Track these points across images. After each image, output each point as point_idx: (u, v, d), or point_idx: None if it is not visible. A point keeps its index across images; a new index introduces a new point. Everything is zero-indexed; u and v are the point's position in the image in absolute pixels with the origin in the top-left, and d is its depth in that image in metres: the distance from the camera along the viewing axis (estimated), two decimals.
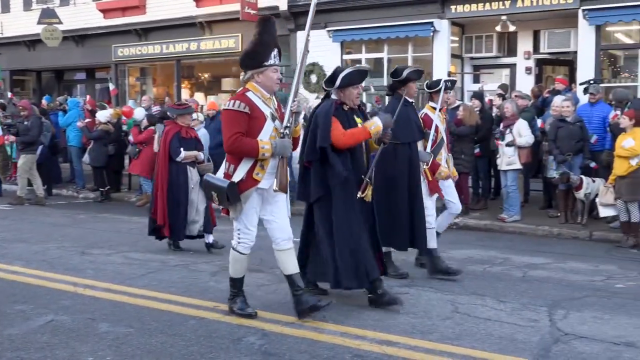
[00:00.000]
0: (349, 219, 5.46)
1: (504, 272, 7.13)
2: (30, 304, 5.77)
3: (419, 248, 6.78)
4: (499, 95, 12.14)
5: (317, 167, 5.56)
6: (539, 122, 10.86)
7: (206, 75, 19.65)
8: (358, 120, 5.66)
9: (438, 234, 7.11)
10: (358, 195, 5.47)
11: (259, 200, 5.15)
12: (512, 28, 14.34)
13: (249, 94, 5.06)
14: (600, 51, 12.88)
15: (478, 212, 10.58)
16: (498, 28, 14.37)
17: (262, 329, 5.09)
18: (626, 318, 5.46)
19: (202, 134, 9.77)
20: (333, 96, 5.66)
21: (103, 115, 13.34)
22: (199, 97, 18.21)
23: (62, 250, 8.22)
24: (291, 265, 5.26)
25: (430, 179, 6.73)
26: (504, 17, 13.98)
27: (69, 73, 22.64)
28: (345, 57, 15.70)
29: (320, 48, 13.78)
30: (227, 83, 18.95)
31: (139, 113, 12.93)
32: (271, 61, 5.06)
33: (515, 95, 11.49)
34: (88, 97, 17.44)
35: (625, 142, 8.54)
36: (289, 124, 5.06)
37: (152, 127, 11.90)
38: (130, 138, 12.60)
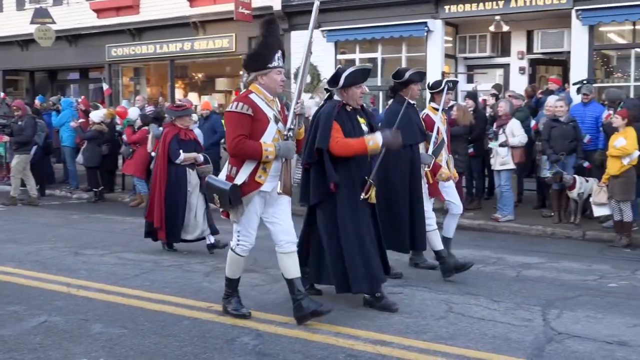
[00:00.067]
0: (354, 222, 5.43)
1: (497, 272, 7.14)
2: (23, 305, 5.74)
3: (419, 250, 6.77)
4: (493, 95, 12.17)
5: (316, 170, 5.52)
6: (532, 122, 10.88)
7: (200, 75, 19.62)
8: (361, 120, 5.64)
9: (449, 238, 7.11)
10: (362, 197, 5.45)
11: (260, 204, 5.12)
12: (505, 28, 14.37)
13: (252, 96, 5.03)
14: (593, 51, 12.91)
15: (472, 212, 10.60)
16: (492, 28, 14.39)
17: (256, 329, 5.08)
18: (619, 317, 5.48)
19: (197, 133, 9.74)
20: (336, 97, 5.63)
21: (97, 116, 13.31)
22: (193, 97, 18.20)
23: (55, 251, 8.19)
24: (293, 269, 5.20)
25: (430, 181, 6.71)
26: (497, 17, 14.00)
27: (62, 73, 22.57)
28: (339, 57, 15.71)
29: (314, 48, 13.74)
30: (221, 83, 18.94)
31: (133, 113, 12.91)
32: (275, 63, 5.02)
33: (509, 95, 11.52)
34: (82, 97, 17.40)
35: (617, 142, 8.58)
36: (292, 126, 5.03)
37: (146, 127, 11.89)
38: (124, 138, 12.57)
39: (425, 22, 14.16)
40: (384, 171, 5.89)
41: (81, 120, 13.62)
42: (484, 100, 12.14)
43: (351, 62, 15.23)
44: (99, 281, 6.60)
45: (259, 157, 4.95)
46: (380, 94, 15.00)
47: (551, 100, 10.33)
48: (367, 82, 5.77)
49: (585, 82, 11.24)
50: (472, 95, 11.47)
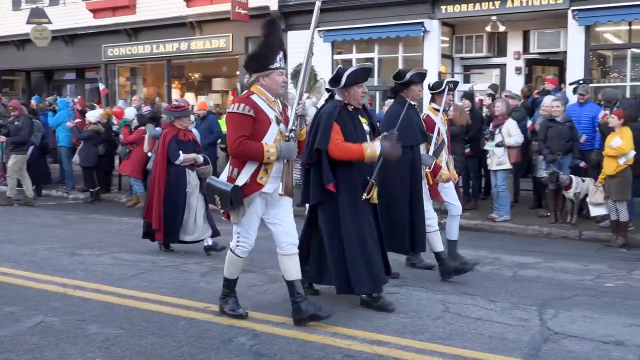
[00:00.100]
0: (356, 222, 5.41)
1: (494, 272, 7.15)
2: (19, 306, 5.73)
3: (418, 251, 6.76)
4: (489, 95, 12.18)
5: (316, 170, 5.51)
6: (528, 123, 10.90)
7: (196, 75, 19.60)
8: (363, 120, 5.63)
9: (455, 241, 7.11)
10: (363, 197, 5.44)
11: (262, 205, 5.10)
12: (502, 28, 14.40)
13: (254, 97, 5.01)
14: (589, 51, 12.94)
15: (468, 212, 10.60)
16: (488, 28, 14.41)
17: (253, 329, 5.08)
18: (615, 317, 5.49)
19: (194, 134, 9.72)
20: (337, 97, 5.61)
21: (93, 116, 13.30)
22: (190, 97, 18.17)
23: (52, 251, 8.17)
24: (294, 271, 5.17)
25: (431, 182, 6.70)
26: (494, 18, 14.03)
27: (58, 73, 22.53)
28: (336, 57, 15.71)
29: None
30: (217, 83, 18.93)
31: (129, 113, 12.90)
32: (277, 64, 5.00)
33: (506, 96, 11.54)
34: (79, 97, 17.37)
35: (613, 142, 8.60)
36: (294, 127, 5.01)
37: (143, 128, 11.88)
38: (121, 138, 12.55)
39: (422, 22, 14.17)
40: (384, 172, 5.86)
41: (77, 120, 13.60)
42: (481, 100, 12.16)
43: (348, 62, 15.23)
44: (96, 281, 6.59)
45: (260, 158, 4.92)
46: (377, 94, 15.01)
47: (547, 100, 10.34)
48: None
49: (581, 82, 11.26)
50: (469, 95, 11.48)
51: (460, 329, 5.14)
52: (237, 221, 5.09)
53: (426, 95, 7.17)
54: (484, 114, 11.31)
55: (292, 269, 5.16)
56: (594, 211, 9.26)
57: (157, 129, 11.40)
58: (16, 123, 12.60)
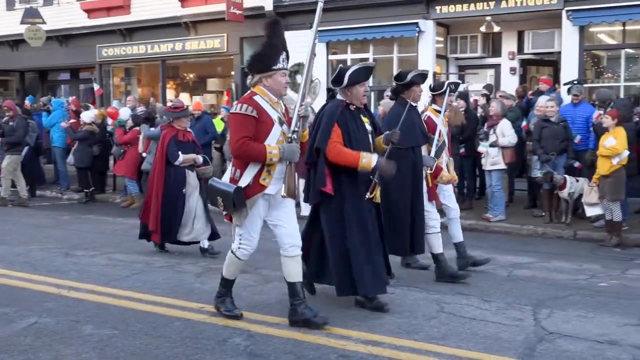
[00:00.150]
0: (359, 222, 5.39)
1: (489, 272, 7.15)
2: (13, 307, 5.71)
3: (418, 253, 6.72)
4: (484, 95, 12.20)
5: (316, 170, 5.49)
6: (523, 123, 10.92)
7: (191, 76, 19.58)
8: (365, 119, 5.61)
9: (461, 242, 7.10)
10: (367, 196, 5.43)
11: (264, 207, 5.06)
12: (496, 29, 14.42)
13: (257, 98, 4.98)
14: (583, 52, 12.97)
15: (463, 212, 10.54)
16: (482, 28, 14.44)
17: (247, 329, 5.07)
18: (609, 316, 5.51)
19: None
20: (339, 96, 5.59)
21: (88, 116, 13.27)
22: (184, 97, 18.15)
23: (46, 252, 8.15)
24: (295, 273, 5.14)
25: (430, 184, 6.68)
26: (488, 18, 14.05)
27: (52, 73, 22.47)
28: (331, 57, 15.72)
29: (305, 48, 13.74)
30: (212, 83, 18.90)
31: (124, 113, 12.88)
32: (280, 65, 4.98)
33: (500, 96, 11.56)
34: (73, 97, 17.33)
35: (607, 142, 8.62)
36: (296, 129, 4.98)
37: (137, 128, 11.86)
38: (115, 138, 12.53)
39: (417, 23, 14.18)
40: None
41: (72, 120, 13.57)
42: (475, 101, 12.18)
43: (343, 62, 15.23)
44: (90, 282, 6.58)
45: (263, 160, 4.89)
46: (372, 94, 15.01)
47: (542, 100, 10.37)
48: None
49: (575, 82, 11.29)
50: (464, 95, 11.49)
51: (455, 328, 5.14)
52: (239, 223, 5.06)
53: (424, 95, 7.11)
54: (478, 114, 11.32)
55: (294, 270, 5.13)
56: (589, 211, 9.28)
57: (152, 129, 11.39)
58: (11, 123, 12.57)
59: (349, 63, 14.91)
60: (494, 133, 10.06)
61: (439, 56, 15.02)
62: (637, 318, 5.45)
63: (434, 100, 7.11)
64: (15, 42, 20.53)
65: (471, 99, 11.99)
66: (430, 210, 6.64)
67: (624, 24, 12.75)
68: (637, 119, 9.82)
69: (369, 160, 5.33)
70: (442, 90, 6.95)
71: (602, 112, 9.64)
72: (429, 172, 6.62)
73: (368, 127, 5.63)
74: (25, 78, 22.83)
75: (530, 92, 12.47)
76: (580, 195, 9.63)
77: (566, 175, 9.66)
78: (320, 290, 5.91)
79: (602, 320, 5.41)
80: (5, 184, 12.63)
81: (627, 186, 9.04)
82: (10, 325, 5.23)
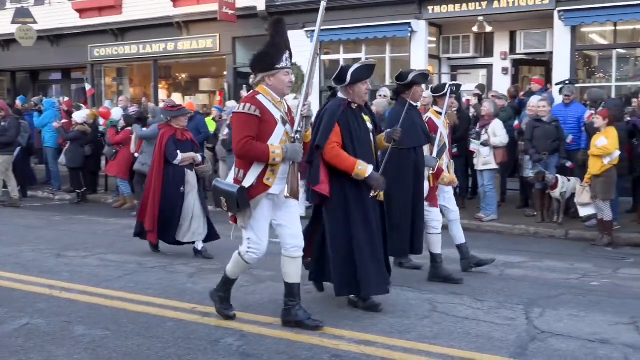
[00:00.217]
0: (364, 222, 5.36)
1: (481, 271, 7.15)
2: (4, 308, 5.68)
3: (416, 253, 6.68)
4: (476, 95, 12.23)
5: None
6: (515, 122, 10.96)
7: (184, 76, 19.54)
8: (366, 118, 5.59)
9: (464, 244, 7.10)
10: (371, 194, 5.41)
11: (269, 207, 5.00)
12: (488, 29, 14.46)
13: (260, 97, 4.93)
14: (575, 52, 13.02)
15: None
16: (475, 29, 14.47)
17: (240, 330, 5.06)
18: (601, 315, 5.53)
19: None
20: (340, 94, 5.57)
21: (80, 116, 13.22)
22: (177, 97, 18.11)
23: (37, 253, 8.12)
24: (295, 274, 5.09)
25: (432, 184, 6.66)
26: (480, 18, 14.09)
27: (44, 73, 22.38)
28: (324, 57, 15.70)
29: (298, 48, 13.55)
30: (204, 83, 18.88)
31: (116, 113, 12.83)
32: (283, 64, 4.94)
33: (492, 96, 11.59)
34: (67, 98, 17.28)
35: (598, 142, 8.66)
36: (299, 129, 4.93)
37: (129, 128, 11.82)
38: (107, 139, 12.48)
39: (409, 23, 14.21)
40: (386, 174, 5.68)
41: (64, 120, 13.51)
42: (468, 101, 12.20)
43: (335, 62, 15.25)
44: (82, 283, 6.55)
45: (266, 160, 4.83)
46: None
47: (534, 100, 10.40)
48: None
49: (567, 82, 11.33)
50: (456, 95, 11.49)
51: (447, 328, 5.15)
52: (244, 224, 5.00)
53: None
54: (470, 114, 11.34)
55: (294, 271, 5.09)
56: (582, 211, 9.30)
57: (144, 129, 11.35)
58: (3, 124, 12.49)
59: (341, 63, 14.92)
60: (485, 133, 10.09)
61: (431, 56, 15.05)
62: (629, 317, 5.47)
63: (435, 102, 7.09)
64: (6, 42, 20.45)
65: (463, 99, 12.01)
66: (431, 211, 6.63)
67: (615, 24, 12.81)
68: (629, 118, 9.86)
69: (364, 168, 5.31)
70: (443, 92, 6.93)
71: (593, 112, 9.68)
72: (431, 172, 6.60)
73: (369, 125, 5.60)
74: (17, 78, 22.74)
75: (522, 93, 12.50)
76: (572, 195, 9.67)
77: (558, 175, 9.70)
78: (314, 290, 5.91)
79: (594, 319, 5.43)
80: None
81: (618, 186, 9.11)
82: (1, 326, 5.20)
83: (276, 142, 4.88)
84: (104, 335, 4.96)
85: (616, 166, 8.70)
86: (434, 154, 6.65)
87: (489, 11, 13.62)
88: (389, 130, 5.69)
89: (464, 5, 13.76)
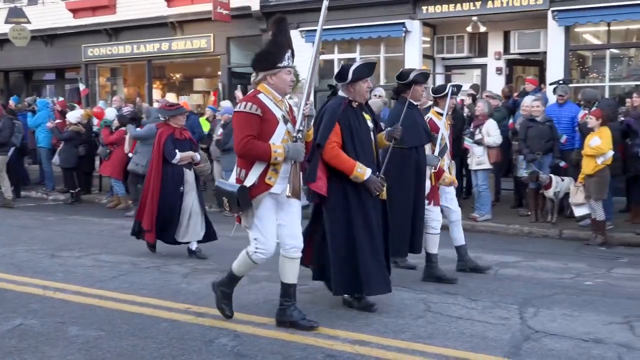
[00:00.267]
0: (367, 222, 5.35)
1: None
2: None
3: (415, 253, 6.65)
4: (470, 95, 12.25)
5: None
6: (509, 121, 10.98)
7: (178, 76, 19.51)
8: (366, 116, 5.57)
9: (463, 246, 7.10)
10: (373, 194, 5.39)
11: (273, 206, 4.96)
12: (482, 29, 14.48)
13: (261, 96, 4.90)
14: (569, 52, 13.06)
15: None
16: (469, 29, 14.49)
17: (234, 330, 5.06)
18: (594, 315, 5.55)
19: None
20: (340, 93, 5.55)
21: (74, 116, 13.19)
22: (171, 97, 18.07)
23: (31, 253, 8.09)
24: (292, 275, 5.08)
25: (433, 183, 6.65)
26: (474, 18, 14.11)
27: (37, 73, 22.31)
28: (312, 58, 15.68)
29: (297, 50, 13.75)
30: (199, 83, 18.85)
31: (110, 114, 12.81)
32: (285, 63, 4.92)
33: (486, 96, 11.61)
34: (61, 98, 17.23)
35: (592, 141, 8.68)
36: (301, 128, 4.90)
37: (123, 128, 11.80)
38: (101, 139, 12.46)
39: (403, 23, 14.23)
40: (387, 174, 5.64)
41: (58, 121, 13.48)
42: (462, 101, 12.21)
43: (330, 62, 15.26)
44: (76, 283, 6.54)
45: (267, 159, 4.81)
46: None
47: (527, 100, 10.43)
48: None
49: (561, 82, 11.36)
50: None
51: (441, 328, 5.16)
52: (247, 224, 4.98)
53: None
54: (464, 114, 11.36)
55: (291, 272, 5.08)
56: (577, 212, 9.31)
57: (138, 129, 11.34)
58: None
59: (335, 63, 14.97)
60: (479, 133, 10.11)
61: (425, 56, 15.06)
62: (622, 316, 5.49)
63: (435, 103, 7.09)
64: (0, 42, 20.35)
65: (458, 99, 12.02)
66: (432, 210, 6.63)
67: (608, 24, 12.86)
68: (622, 118, 9.90)
69: (363, 171, 5.29)
70: (444, 93, 6.92)
71: (587, 111, 9.71)
72: (433, 171, 6.60)
73: (370, 124, 5.58)
74: (10, 78, 22.65)
75: (516, 94, 12.52)
76: (566, 195, 9.70)
77: (552, 175, 9.72)
78: (309, 290, 5.91)
79: (588, 318, 5.45)
80: None
81: (612, 185, 9.14)
82: None
83: (278, 141, 4.86)
84: (98, 336, 4.95)
85: (610, 166, 8.73)
86: (436, 153, 6.64)
87: (483, 11, 13.65)
88: (389, 128, 5.69)
89: (458, 5, 13.79)
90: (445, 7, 13.97)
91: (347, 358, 4.52)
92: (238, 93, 14.16)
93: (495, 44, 14.92)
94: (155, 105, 15.20)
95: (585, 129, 9.22)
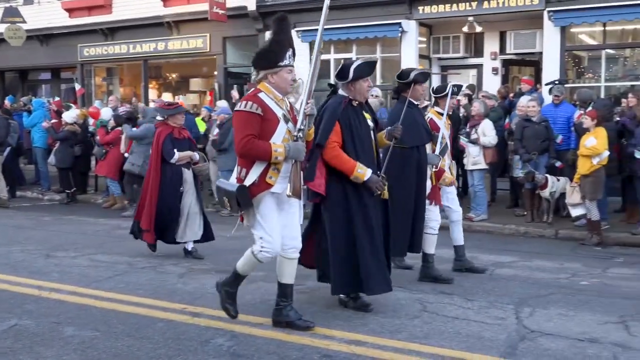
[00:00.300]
0: (367, 222, 5.34)
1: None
2: None
3: (414, 252, 6.65)
4: (466, 95, 12.25)
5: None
6: (506, 121, 11.00)
7: (174, 76, 19.49)
8: (367, 115, 5.56)
9: (461, 246, 7.11)
10: (374, 193, 5.38)
11: (275, 204, 4.93)
12: (478, 29, 14.50)
13: (261, 95, 4.87)
14: (565, 52, 13.08)
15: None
16: (465, 29, 14.50)
17: (230, 330, 5.05)
18: (590, 314, 5.56)
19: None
20: (340, 91, 5.54)
21: (69, 116, 13.16)
22: (167, 97, 18.05)
23: (26, 253, 8.07)
24: (289, 275, 5.07)
25: (434, 183, 6.65)
26: (470, 18, 14.12)
27: (33, 73, 22.25)
28: (313, 57, 15.68)
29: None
30: (195, 83, 18.83)
31: (106, 113, 12.79)
32: (286, 61, 4.89)
33: (482, 96, 11.62)
34: (57, 98, 17.17)
35: (587, 142, 8.70)
36: (302, 127, 4.87)
37: (119, 128, 11.79)
38: (97, 139, 12.44)
39: (400, 23, 14.23)
40: (388, 173, 5.62)
41: (53, 120, 13.46)
42: (458, 101, 12.20)
43: (326, 62, 15.24)
44: (71, 284, 6.52)
45: (268, 158, 4.78)
46: None
47: (523, 100, 10.45)
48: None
49: (557, 82, 11.37)
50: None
51: (437, 328, 5.16)
52: (250, 224, 4.96)
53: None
54: (460, 114, 11.37)
55: (288, 272, 5.07)
56: (574, 212, 9.32)
57: (134, 129, 11.33)
58: None
59: (332, 63, 14.96)
60: (475, 133, 10.12)
61: (421, 56, 15.07)
62: (618, 316, 5.50)
63: (436, 103, 7.09)
64: None
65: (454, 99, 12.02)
66: (432, 210, 6.63)
67: (604, 25, 12.87)
68: (618, 118, 9.92)
69: (363, 172, 5.28)
70: (444, 93, 6.92)
71: (583, 112, 9.72)
72: (434, 170, 6.60)
73: (370, 123, 5.57)
74: (5, 78, 22.60)
75: (511, 95, 12.54)
76: (562, 195, 9.72)
77: (547, 175, 9.74)
78: (305, 290, 5.90)
79: (583, 318, 5.46)
80: None
81: (608, 186, 9.15)
82: None
83: (278, 140, 4.83)
84: (94, 336, 4.93)
85: (605, 166, 8.74)
86: (437, 152, 6.64)
87: (479, 11, 13.66)
88: (389, 127, 5.68)
89: (454, 5, 13.79)
90: (441, 7, 13.98)
91: (343, 358, 4.51)
92: (234, 93, 14.17)
93: (491, 44, 14.93)
94: (152, 105, 15.19)
95: (581, 129, 9.24)
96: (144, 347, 4.71)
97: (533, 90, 12.07)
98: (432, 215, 6.65)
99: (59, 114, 13.68)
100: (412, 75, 6.36)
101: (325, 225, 5.46)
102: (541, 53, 13.50)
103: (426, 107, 10.36)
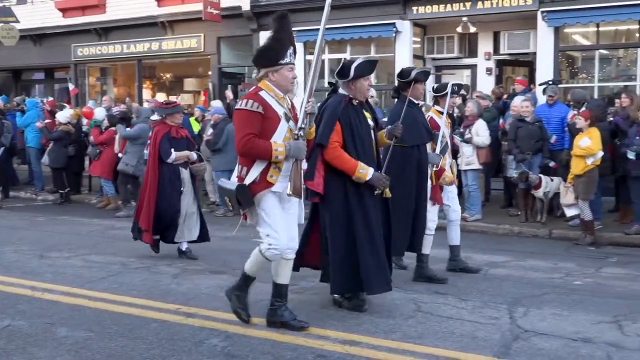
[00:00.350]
0: (365, 220, 5.33)
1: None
2: None
3: (414, 252, 6.64)
4: (460, 95, 12.27)
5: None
6: (500, 121, 11.02)
7: (168, 76, 19.46)
8: (367, 114, 5.55)
9: (457, 246, 7.12)
10: (375, 192, 5.36)
11: (277, 201, 4.91)
12: (472, 29, 14.52)
13: (262, 93, 4.86)
14: (558, 52, 13.11)
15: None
16: (459, 29, 14.52)
17: (225, 330, 5.05)
18: (584, 314, 5.57)
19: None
20: (341, 90, 5.53)
21: (63, 116, 13.13)
22: (161, 97, 18.00)
23: (20, 254, 8.04)
24: (284, 276, 5.06)
25: (434, 183, 6.65)
26: (464, 19, 14.14)
27: (26, 73, 22.17)
28: (308, 57, 15.68)
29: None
30: (189, 83, 18.81)
31: (100, 113, 12.76)
32: (287, 59, 4.87)
33: (477, 96, 11.64)
34: (50, 98, 17.10)
35: (581, 142, 8.72)
36: (303, 125, 4.85)
37: (113, 128, 11.76)
38: (91, 139, 12.41)
39: (394, 23, 14.24)
40: (388, 173, 5.61)
41: (47, 120, 13.41)
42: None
43: (320, 63, 15.22)
44: (65, 284, 6.50)
45: (268, 157, 4.76)
46: None
47: (517, 100, 10.47)
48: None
49: (550, 83, 11.39)
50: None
51: (431, 327, 5.17)
52: (252, 222, 4.95)
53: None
54: (455, 115, 11.38)
55: (284, 273, 5.06)
56: (569, 212, 9.34)
57: (128, 129, 11.31)
58: None
59: (326, 63, 14.97)
60: (469, 133, 10.14)
61: (415, 56, 15.08)
62: (611, 316, 5.52)
63: (436, 102, 7.10)
64: None
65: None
66: (430, 210, 6.63)
67: (597, 25, 12.91)
68: (611, 118, 9.95)
69: (365, 172, 5.28)
70: (445, 92, 6.93)
71: (576, 112, 9.75)
72: (434, 169, 6.60)
73: (370, 122, 5.57)
74: None
75: (505, 96, 12.55)
76: (556, 195, 9.74)
77: (541, 175, 9.77)
78: (300, 290, 5.90)
79: (577, 318, 5.47)
80: None
81: (601, 185, 9.18)
82: None
83: (279, 139, 4.82)
84: (87, 337, 4.92)
85: (599, 166, 8.77)
86: (437, 151, 6.64)
87: (473, 12, 13.68)
88: (390, 126, 5.68)
89: (448, 5, 13.81)
90: (435, 7, 13.99)
91: (337, 358, 4.51)
92: (228, 93, 14.16)
93: (485, 45, 14.95)
94: (146, 105, 15.16)
95: (575, 130, 9.26)
96: (138, 347, 4.70)
97: (527, 90, 12.10)
98: (430, 216, 6.66)
99: (52, 114, 13.63)
100: (413, 74, 6.35)
101: (325, 225, 5.46)
102: (535, 53, 13.54)
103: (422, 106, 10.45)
